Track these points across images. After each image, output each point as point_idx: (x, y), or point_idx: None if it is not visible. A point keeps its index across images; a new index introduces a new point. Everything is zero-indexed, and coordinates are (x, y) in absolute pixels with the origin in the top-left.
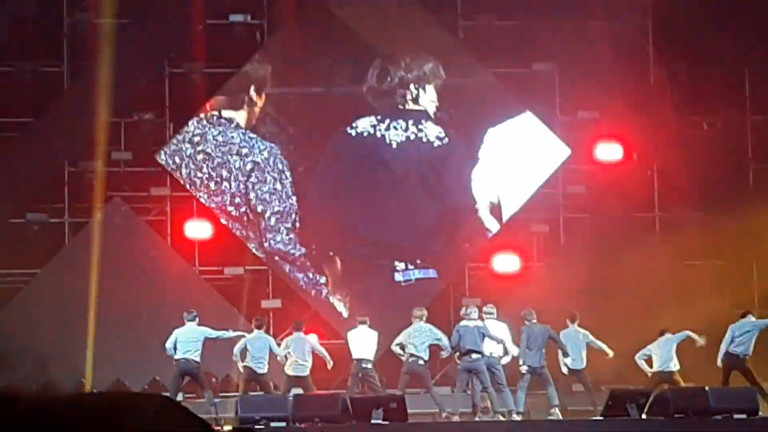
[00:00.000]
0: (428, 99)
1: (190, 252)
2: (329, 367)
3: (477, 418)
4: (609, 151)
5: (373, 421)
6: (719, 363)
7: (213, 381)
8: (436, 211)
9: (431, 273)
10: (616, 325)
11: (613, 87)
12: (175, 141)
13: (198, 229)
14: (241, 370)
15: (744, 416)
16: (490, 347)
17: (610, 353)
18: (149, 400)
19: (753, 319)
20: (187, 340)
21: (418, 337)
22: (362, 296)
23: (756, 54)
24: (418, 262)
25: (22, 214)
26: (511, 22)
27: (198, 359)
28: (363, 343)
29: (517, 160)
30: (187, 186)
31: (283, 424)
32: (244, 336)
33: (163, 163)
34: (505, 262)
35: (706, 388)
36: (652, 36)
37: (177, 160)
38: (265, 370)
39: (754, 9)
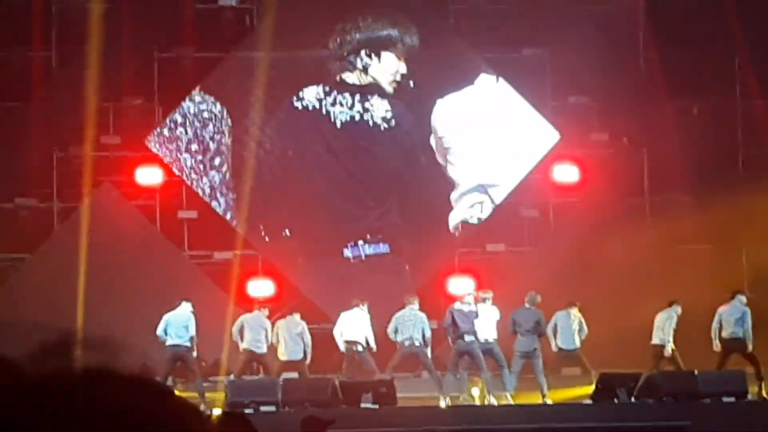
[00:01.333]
0: (382, 69)
1: (180, 236)
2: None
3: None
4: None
5: (362, 405)
6: (716, 347)
7: (202, 365)
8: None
9: (382, 248)
10: (606, 310)
11: (604, 72)
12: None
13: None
14: (241, 350)
15: (732, 399)
16: (488, 331)
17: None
18: (136, 382)
19: (743, 300)
20: (178, 325)
21: (411, 322)
22: (315, 273)
23: (746, 39)
24: (368, 237)
25: (10, 199)
26: (502, 6)
27: (189, 344)
28: (356, 325)
29: (485, 129)
30: (176, 171)
31: (273, 408)
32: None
33: (153, 147)
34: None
35: (695, 371)
36: (643, 21)
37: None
38: (265, 350)
39: None
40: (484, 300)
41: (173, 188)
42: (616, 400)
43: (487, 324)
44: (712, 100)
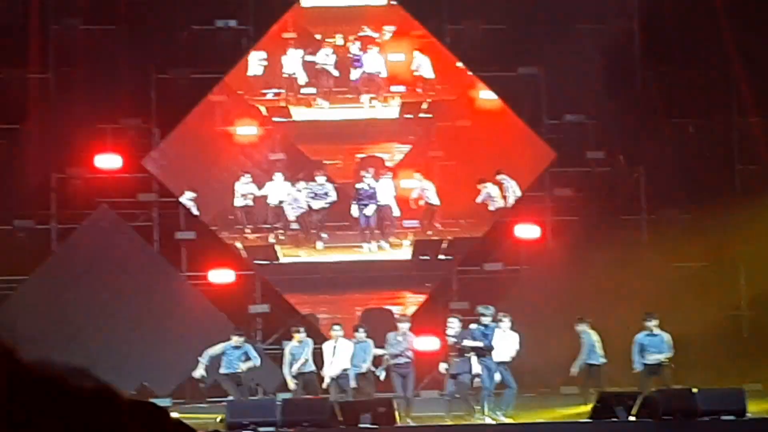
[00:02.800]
0: None
1: (178, 257)
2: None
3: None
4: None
5: (361, 425)
6: (639, 369)
7: (201, 387)
8: None
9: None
10: (604, 328)
11: (599, 90)
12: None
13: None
14: (292, 382)
15: (732, 417)
16: (503, 350)
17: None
18: (138, 406)
19: (655, 323)
20: (235, 358)
21: (397, 343)
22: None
23: (742, 57)
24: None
25: (9, 221)
26: (498, 26)
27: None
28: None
29: None
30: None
31: (272, 429)
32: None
33: (150, 168)
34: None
35: (694, 389)
36: (639, 39)
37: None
38: (313, 368)
39: (740, 13)
40: (500, 320)
41: (171, 208)
42: (615, 419)
43: (504, 344)
44: (708, 117)
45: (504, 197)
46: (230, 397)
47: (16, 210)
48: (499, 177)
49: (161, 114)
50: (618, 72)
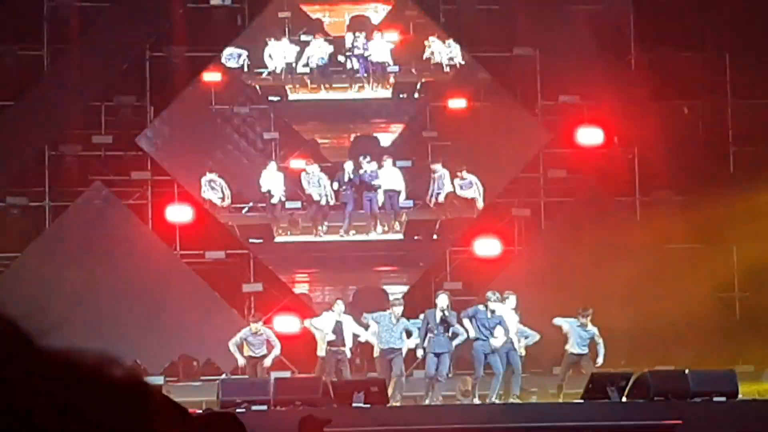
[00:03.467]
0: None
1: (171, 236)
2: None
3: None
4: (590, 136)
5: (354, 404)
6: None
7: (194, 365)
8: None
9: None
10: (597, 309)
11: (594, 71)
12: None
13: (179, 213)
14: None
15: (723, 398)
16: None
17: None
18: (126, 382)
19: (588, 319)
20: (258, 344)
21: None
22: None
23: (736, 39)
24: None
25: (2, 198)
26: (492, 6)
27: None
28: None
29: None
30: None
31: (264, 407)
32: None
33: (144, 146)
34: (487, 246)
35: (686, 370)
36: (633, 21)
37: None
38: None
39: None
40: (504, 300)
41: (165, 187)
42: (607, 399)
43: (508, 325)
44: (703, 100)
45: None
46: (223, 376)
47: (9, 187)
48: (461, 174)
49: (155, 92)
50: (612, 54)
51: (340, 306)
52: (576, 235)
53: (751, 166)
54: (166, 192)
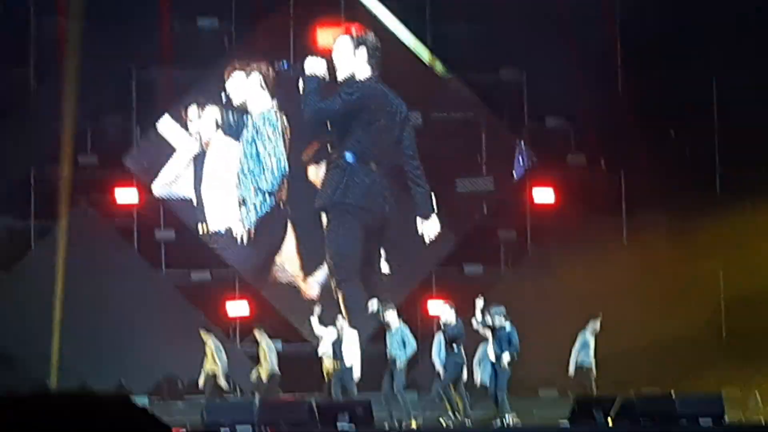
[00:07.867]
0: None
1: (157, 256)
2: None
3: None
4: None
5: (338, 426)
6: (572, 373)
7: (179, 385)
8: None
9: None
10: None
11: (581, 94)
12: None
13: (164, 233)
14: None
15: (710, 421)
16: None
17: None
18: (112, 401)
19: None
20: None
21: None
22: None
23: (723, 61)
24: None
25: None
26: (479, 27)
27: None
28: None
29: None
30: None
31: (249, 428)
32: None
33: (130, 166)
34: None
35: (672, 393)
36: (620, 43)
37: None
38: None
39: (722, 18)
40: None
41: (151, 208)
42: (593, 422)
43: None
44: (689, 122)
45: None
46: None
47: None
48: None
49: (141, 112)
50: (599, 76)
51: (341, 322)
52: (562, 256)
53: (738, 189)
54: (151, 212)
